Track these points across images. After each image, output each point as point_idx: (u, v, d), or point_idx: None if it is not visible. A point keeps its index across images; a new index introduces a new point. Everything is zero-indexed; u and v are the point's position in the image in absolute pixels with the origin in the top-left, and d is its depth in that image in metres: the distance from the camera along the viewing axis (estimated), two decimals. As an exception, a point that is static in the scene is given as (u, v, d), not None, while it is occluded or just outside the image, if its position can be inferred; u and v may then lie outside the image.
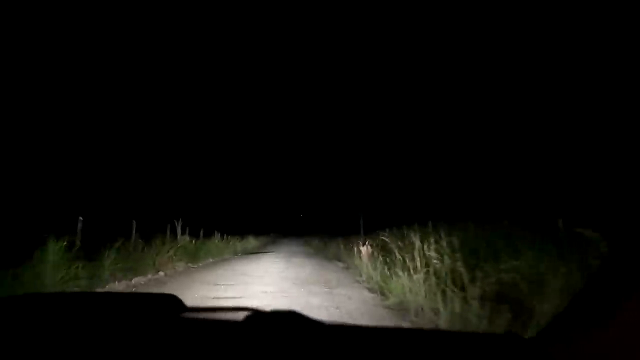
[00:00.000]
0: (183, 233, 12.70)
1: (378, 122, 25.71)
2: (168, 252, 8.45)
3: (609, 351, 0.55)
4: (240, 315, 0.85)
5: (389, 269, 6.43)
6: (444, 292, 3.81)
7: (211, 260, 12.31)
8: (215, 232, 17.76)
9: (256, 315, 0.85)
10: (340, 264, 11.82)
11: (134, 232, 9.00)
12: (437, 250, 4.92)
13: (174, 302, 0.99)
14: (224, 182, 26.15)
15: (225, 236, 18.95)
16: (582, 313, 0.65)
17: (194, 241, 11.83)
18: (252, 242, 22.34)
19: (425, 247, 5.26)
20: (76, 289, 5.09)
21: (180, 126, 20.38)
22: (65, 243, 5.33)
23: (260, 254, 16.67)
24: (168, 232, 11.54)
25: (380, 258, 7.38)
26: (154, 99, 17.29)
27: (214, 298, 5.22)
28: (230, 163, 28.13)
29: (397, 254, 6.42)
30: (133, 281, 6.90)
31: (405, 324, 4.13)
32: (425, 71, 20.68)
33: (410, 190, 23.59)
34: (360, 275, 8.27)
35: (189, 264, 10.18)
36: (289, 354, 0.70)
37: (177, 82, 20.04)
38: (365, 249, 7.97)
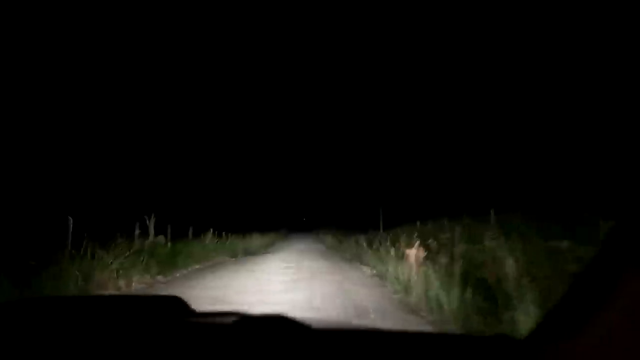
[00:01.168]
0: (162, 233, 9.85)
1: (395, 112, 22.62)
2: (111, 263, 5.51)
3: (602, 349, 0.54)
4: (231, 320, 0.86)
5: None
6: None
7: (196, 267, 9.44)
8: (211, 230, 14.92)
9: (245, 320, 0.87)
10: (367, 269, 8.83)
11: (69, 234, 6.11)
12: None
13: (178, 304, 1.00)
14: (224, 176, 23.29)
15: (224, 235, 16.11)
16: (572, 311, 0.61)
17: (169, 243, 8.92)
18: (256, 240, 19.47)
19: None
20: None
21: (173, 115, 17.59)
22: None
23: (263, 255, 13.78)
24: (136, 232, 8.66)
25: (436, 268, 4.45)
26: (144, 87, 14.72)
27: None
28: (231, 155, 25.28)
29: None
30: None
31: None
32: (448, 61, 18.27)
33: (426, 184, 20.59)
34: (406, 292, 5.27)
35: (160, 276, 7.30)
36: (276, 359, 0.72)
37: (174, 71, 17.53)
38: (414, 253, 4.93)
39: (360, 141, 26.46)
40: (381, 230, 19.68)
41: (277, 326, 0.82)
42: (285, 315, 0.83)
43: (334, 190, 38.45)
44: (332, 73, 28.78)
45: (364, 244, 11.55)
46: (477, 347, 0.76)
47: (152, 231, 8.74)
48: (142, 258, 6.91)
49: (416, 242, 5.64)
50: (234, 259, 12.45)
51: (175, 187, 15.57)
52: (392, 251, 6.80)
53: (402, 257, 5.98)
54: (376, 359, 0.72)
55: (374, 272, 8.15)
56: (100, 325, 0.84)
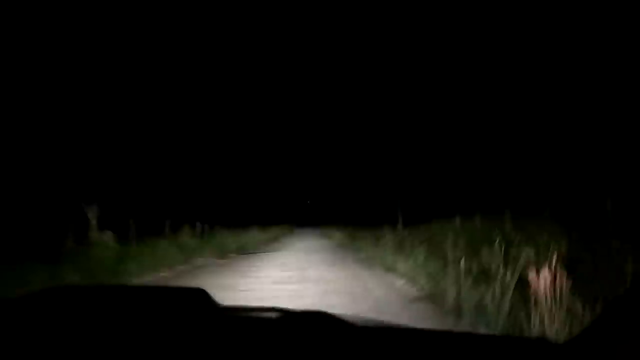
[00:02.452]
0: (123, 227, 7.32)
1: (409, 103, 19.82)
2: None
3: None
4: (272, 316, 0.85)
5: None
6: None
7: (162, 274, 6.90)
8: (199, 224, 12.39)
9: (286, 316, 0.85)
10: (403, 284, 6.08)
11: None
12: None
13: (203, 297, 0.96)
14: (220, 163, 20.71)
15: (215, 229, 13.60)
16: (620, 320, 0.59)
17: (111, 244, 6.30)
18: (255, 236, 16.91)
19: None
20: None
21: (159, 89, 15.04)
22: None
23: (260, 256, 11.18)
24: (72, 228, 6.10)
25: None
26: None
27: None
28: (230, 142, 22.68)
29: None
30: None
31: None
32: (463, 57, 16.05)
33: (443, 178, 17.92)
34: None
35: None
36: (318, 356, 0.70)
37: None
38: (545, 277, 2.24)
39: (372, 132, 23.66)
40: (400, 227, 17.06)
41: (319, 322, 0.80)
42: (326, 311, 0.83)
43: (343, 183, 35.77)
44: (347, 62, 25.81)
45: (389, 243, 8.90)
46: (518, 348, 0.75)
47: (94, 226, 6.13)
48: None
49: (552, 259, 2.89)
50: (222, 260, 9.88)
51: (154, 171, 13.00)
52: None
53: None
54: (417, 358, 0.72)
55: (417, 289, 5.47)
56: (122, 316, 0.82)
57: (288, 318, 0.84)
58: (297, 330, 0.77)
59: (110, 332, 0.73)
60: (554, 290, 2.19)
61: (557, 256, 2.49)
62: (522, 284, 2.75)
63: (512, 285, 2.92)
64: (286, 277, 6.48)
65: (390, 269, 7.37)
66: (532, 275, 2.32)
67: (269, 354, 0.69)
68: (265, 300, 4.34)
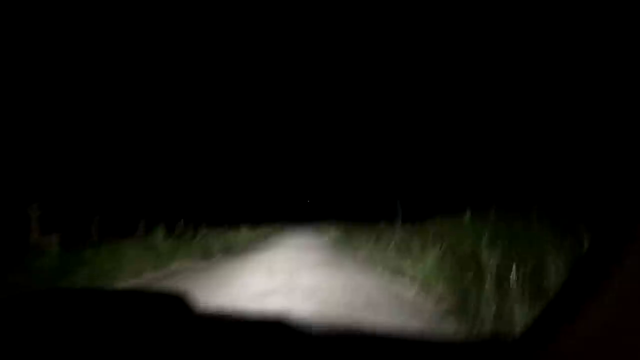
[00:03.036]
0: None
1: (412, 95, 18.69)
2: None
3: (591, 350, 0.55)
4: (232, 321, 0.91)
5: None
6: None
7: (121, 286, 5.70)
8: (181, 223, 11.28)
9: (246, 321, 0.90)
10: (416, 294, 4.99)
11: None
12: None
13: (178, 301, 0.99)
14: (208, 159, 19.51)
15: (198, 228, 12.48)
16: (562, 311, 0.61)
17: (54, 250, 5.16)
18: (244, 235, 15.81)
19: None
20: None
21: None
22: None
23: (247, 256, 10.09)
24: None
25: None
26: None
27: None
28: (218, 135, 21.46)
29: None
30: None
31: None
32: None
33: (445, 172, 16.89)
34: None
35: None
36: None
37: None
38: None
39: (367, 124, 22.52)
40: (400, 222, 16.06)
41: (277, 328, 0.83)
42: (285, 317, 0.85)
43: (337, 176, 34.67)
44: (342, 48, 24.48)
45: (393, 242, 7.87)
46: (471, 347, 0.76)
47: (35, 228, 4.98)
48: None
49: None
50: (202, 263, 8.77)
51: (129, 163, 11.80)
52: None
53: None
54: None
55: (435, 300, 4.43)
56: (99, 319, 0.84)
57: (250, 323, 0.89)
58: (254, 337, 0.80)
59: (84, 338, 0.74)
60: None
61: None
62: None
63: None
64: (271, 287, 5.41)
65: (396, 272, 6.33)
66: None
67: None
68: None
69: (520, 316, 2.57)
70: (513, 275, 2.84)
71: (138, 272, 6.43)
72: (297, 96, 31.14)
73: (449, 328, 3.30)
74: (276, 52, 27.02)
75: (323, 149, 34.84)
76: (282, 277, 6.12)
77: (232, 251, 11.66)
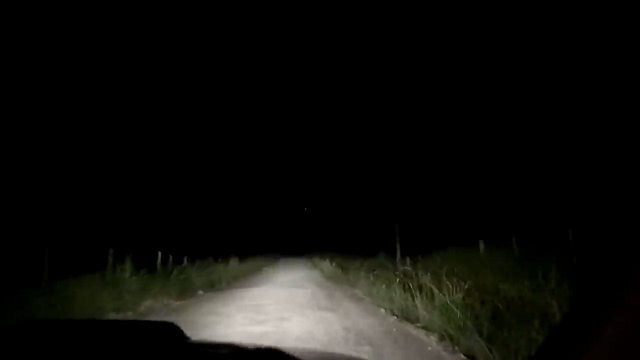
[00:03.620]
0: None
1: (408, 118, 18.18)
2: None
3: None
4: (227, 351, 0.89)
5: None
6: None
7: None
8: (162, 256, 10.15)
9: (238, 352, 0.89)
10: (440, 348, 3.94)
11: None
12: None
13: (173, 331, 1.00)
14: (195, 188, 18.53)
15: (181, 261, 11.32)
16: (564, 342, 0.62)
17: None
18: (231, 268, 14.58)
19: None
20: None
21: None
22: None
23: (230, 294, 8.93)
24: None
25: None
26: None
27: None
28: (208, 161, 20.59)
29: None
30: None
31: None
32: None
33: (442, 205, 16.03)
34: None
35: None
36: None
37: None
38: None
39: (361, 157, 21.83)
40: (398, 256, 14.91)
41: (270, 358, 0.82)
42: (278, 348, 0.84)
43: (331, 207, 33.67)
44: (339, 77, 24.04)
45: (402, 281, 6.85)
46: None
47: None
48: None
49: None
50: (178, 302, 7.62)
51: (97, 189, 10.77)
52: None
53: None
54: None
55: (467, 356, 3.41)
56: (95, 350, 0.84)
57: (241, 355, 0.88)
58: None
59: None
60: None
61: None
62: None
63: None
64: (257, 333, 4.34)
65: (406, 316, 5.29)
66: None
67: None
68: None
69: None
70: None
71: (100, 315, 5.30)
72: (295, 123, 30.66)
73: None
74: (266, 79, 26.73)
75: (316, 174, 33.97)
76: (272, 324, 5.03)
77: (216, 287, 10.46)
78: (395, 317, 5.43)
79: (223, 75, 22.43)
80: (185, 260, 11.95)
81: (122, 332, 1.03)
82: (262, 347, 0.87)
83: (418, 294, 5.41)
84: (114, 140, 12.21)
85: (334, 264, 16.62)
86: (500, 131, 13.66)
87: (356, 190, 23.36)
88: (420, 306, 4.91)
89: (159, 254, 9.86)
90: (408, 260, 11.98)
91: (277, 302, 7.05)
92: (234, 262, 16.15)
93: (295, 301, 7.31)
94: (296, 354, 0.80)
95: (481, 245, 7.63)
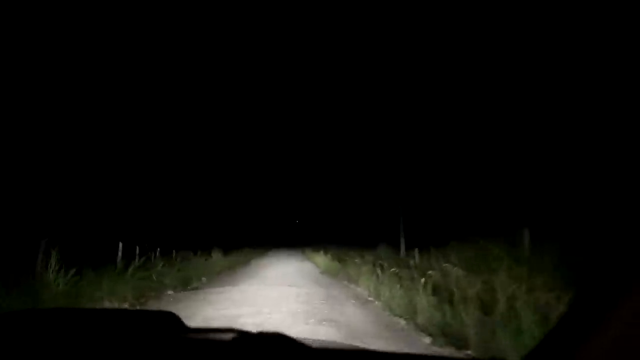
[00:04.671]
0: None
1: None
2: None
3: None
4: (234, 337, 0.87)
5: None
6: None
7: None
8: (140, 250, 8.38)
9: (243, 337, 0.88)
10: None
11: None
12: None
13: (172, 320, 1.00)
14: (175, 173, 16.67)
15: (155, 254, 9.57)
16: (567, 334, 0.61)
17: None
18: (214, 263, 12.87)
19: None
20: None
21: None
22: None
23: (208, 293, 7.21)
24: None
25: None
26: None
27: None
28: (190, 145, 18.71)
29: None
30: None
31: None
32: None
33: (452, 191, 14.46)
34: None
35: None
36: None
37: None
38: None
39: (360, 143, 20.06)
40: (403, 248, 13.27)
41: (276, 344, 0.82)
42: (283, 333, 0.84)
43: (326, 195, 31.97)
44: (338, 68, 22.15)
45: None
46: None
47: None
48: None
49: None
50: (143, 306, 5.89)
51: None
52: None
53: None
54: None
55: None
56: (94, 338, 0.84)
57: (246, 339, 0.87)
58: (254, 352, 0.80)
59: (83, 355, 0.76)
60: None
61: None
62: None
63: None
64: None
65: (444, 334, 3.66)
66: None
67: None
68: None
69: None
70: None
71: None
72: (291, 111, 28.75)
73: None
74: (263, 71, 24.85)
75: (306, 160, 32.13)
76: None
77: (191, 286, 8.75)
78: (429, 338, 3.77)
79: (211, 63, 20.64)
80: (157, 253, 10.21)
81: (120, 320, 1.03)
82: (266, 332, 0.87)
83: (453, 303, 3.78)
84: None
85: (328, 255, 14.98)
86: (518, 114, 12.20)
87: (351, 174, 21.69)
88: (470, 323, 3.25)
89: (120, 245, 8.08)
90: (416, 253, 10.39)
91: (261, 310, 5.37)
92: (217, 255, 14.44)
93: (285, 308, 5.62)
94: (303, 341, 0.81)
95: (526, 238, 5.87)
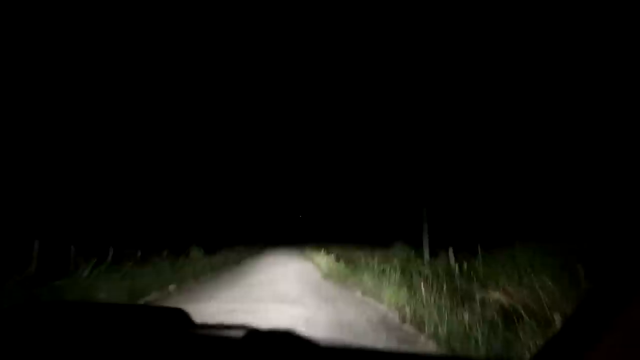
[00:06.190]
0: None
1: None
2: None
3: None
4: (242, 333, 0.86)
5: None
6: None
7: None
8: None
9: (253, 333, 0.87)
10: None
11: None
12: None
13: (182, 317, 1.01)
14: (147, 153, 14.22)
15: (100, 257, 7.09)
16: (574, 336, 0.61)
17: None
18: (196, 264, 10.38)
19: None
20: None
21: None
22: None
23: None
24: None
25: None
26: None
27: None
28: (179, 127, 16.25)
29: None
30: None
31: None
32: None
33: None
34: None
35: None
36: None
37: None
38: None
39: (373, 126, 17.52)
40: (427, 253, 10.52)
41: (286, 341, 0.82)
42: (293, 330, 0.84)
43: (330, 189, 29.41)
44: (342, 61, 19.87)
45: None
46: None
47: None
48: None
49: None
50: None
51: None
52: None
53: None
54: None
55: None
56: (106, 333, 0.83)
57: (258, 336, 0.86)
58: (264, 348, 0.80)
59: (94, 348, 0.76)
60: None
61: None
62: None
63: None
64: None
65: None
66: None
67: None
68: None
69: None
70: None
71: None
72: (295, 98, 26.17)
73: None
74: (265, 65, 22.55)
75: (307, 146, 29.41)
76: None
77: (144, 300, 6.28)
78: None
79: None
80: (109, 253, 7.72)
81: (129, 315, 1.02)
82: (276, 329, 0.86)
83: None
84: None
85: (335, 256, 12.46)
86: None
87: (357, 162, 19.13)
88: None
89: (36, 243, 5.58)
90: (451, 254, 7.89)
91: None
92: (200, 255, 11.96)
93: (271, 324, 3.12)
94: (312, 339, 0.80)
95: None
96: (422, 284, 4.57)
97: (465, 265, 6.69)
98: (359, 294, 6.92)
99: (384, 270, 7.24)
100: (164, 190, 13.96)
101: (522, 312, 3.58)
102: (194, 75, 17.73)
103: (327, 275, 9.89)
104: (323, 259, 13.06)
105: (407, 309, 4.52)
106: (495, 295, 4.42)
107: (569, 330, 0.62)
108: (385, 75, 15.82)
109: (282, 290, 7.18)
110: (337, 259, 11.83)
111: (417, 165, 12.35)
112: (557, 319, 3.29)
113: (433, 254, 9.95)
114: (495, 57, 11.96)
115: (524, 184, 11.57)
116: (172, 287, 7.85)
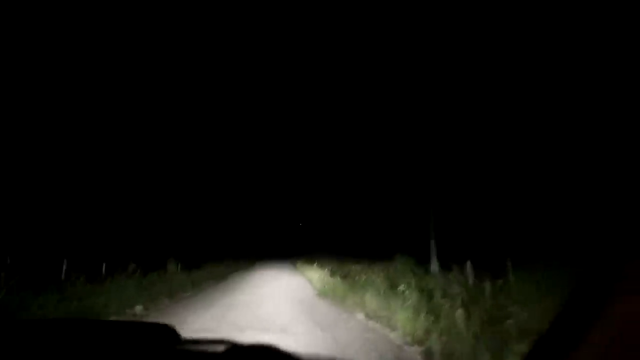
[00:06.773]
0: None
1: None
2: None
3: None
4: (223, 348, 0.85)
5: None
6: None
7: None
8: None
9: (235, 348, 0.86)
10: None
11: None
12: None
13: (168, 332, 0.99)
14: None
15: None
16: (558, 338, 0.60)
17: None
18: (173, 279, 9.09)
19: None
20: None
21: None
22: None
23: None
24: None
25: None
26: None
27: None
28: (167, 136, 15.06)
29: None
30: None
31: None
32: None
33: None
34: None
35: None
36: None
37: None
38: None
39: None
40: (436, 264, 9.33)
41: (266, 355, 0.81)
42: (275, 345, 0.82)
43: (325, 198, 28.15)
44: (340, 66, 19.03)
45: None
46: None
47: None
48: None
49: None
50: None
51: None
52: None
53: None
54: None
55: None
56: (92, 349, 0.82)
57: (237, 351, 0.85)
58: None
59: None
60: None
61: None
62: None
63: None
64: None
65: None
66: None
67: None
68: None
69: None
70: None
71: None
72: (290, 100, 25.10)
73: None
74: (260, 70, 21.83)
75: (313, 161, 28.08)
76: None
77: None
78: None
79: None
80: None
81: (117, 331, 1.01)
82: (258, 344, 0.85)
83: None
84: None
85: (330, 271, 11.22)
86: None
87: (353, 169, 18.02)
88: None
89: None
90: (469, 269, 6.77)
91: None
92: (178, 272, 10.65)
93: None
94: (294, 354, 0.79)
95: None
96: (459, 310, 3.42)
97: (488, 285, 5.54)
98: (361, 317, 5.74)
99: (391, 287, 6.08)
100: (141, 197, 12.66)
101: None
102: (186, 79, 16.78)
103: (323, 293, 8.66)
104: (316, 275, 11.79)
105: (434, 342, 3.36)
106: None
107: (554, 332, 0.61)
108: (388, 82, 14.97)
109: (269, 312, 5.96)
110: (332, 274, 10.62)
111: (421, 169, 11.29)
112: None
113: (444, 268, 8.81)
114: (511, 60, 11.12)
115: (534, 191, 10.60)
116: (138, 308, 6.59)
